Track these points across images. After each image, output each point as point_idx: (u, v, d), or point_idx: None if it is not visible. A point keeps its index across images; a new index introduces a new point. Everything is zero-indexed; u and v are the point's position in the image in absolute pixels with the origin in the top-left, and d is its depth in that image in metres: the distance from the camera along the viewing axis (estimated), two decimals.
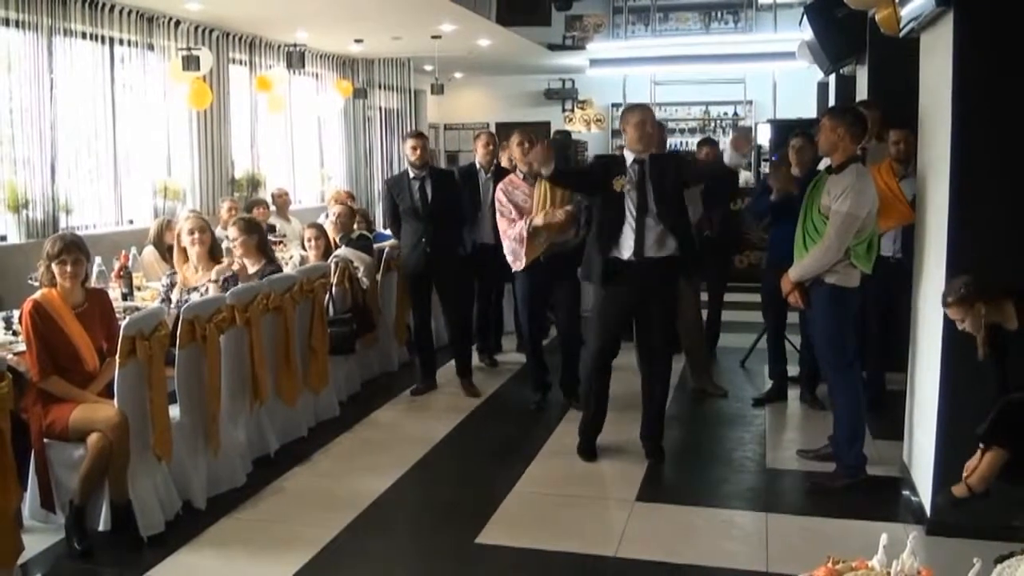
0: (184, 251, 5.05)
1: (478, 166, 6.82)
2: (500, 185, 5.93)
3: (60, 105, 7.53)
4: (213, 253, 5.08)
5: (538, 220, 5.60)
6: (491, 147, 6.80)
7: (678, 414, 5.93)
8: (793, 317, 6.09)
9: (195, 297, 4.78)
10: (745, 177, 12.13)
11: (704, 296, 7.37)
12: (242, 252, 5.29)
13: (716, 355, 7.41)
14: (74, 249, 4.08)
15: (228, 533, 4.17)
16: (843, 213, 4.29)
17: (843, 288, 4.44)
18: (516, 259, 5.74)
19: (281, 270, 5.60)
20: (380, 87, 14.01)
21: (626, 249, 4.85)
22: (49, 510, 4.02)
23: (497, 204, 5.86)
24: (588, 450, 5.11)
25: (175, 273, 5.13)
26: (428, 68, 13.96)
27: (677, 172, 4.99)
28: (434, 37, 11.25)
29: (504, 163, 6.90)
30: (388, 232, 7.09)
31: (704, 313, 7.37)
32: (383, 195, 6.74)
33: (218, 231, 6.46)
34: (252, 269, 5.22)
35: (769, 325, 6.32)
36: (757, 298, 6.44)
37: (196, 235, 5.00)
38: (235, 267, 5.09)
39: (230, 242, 5.48)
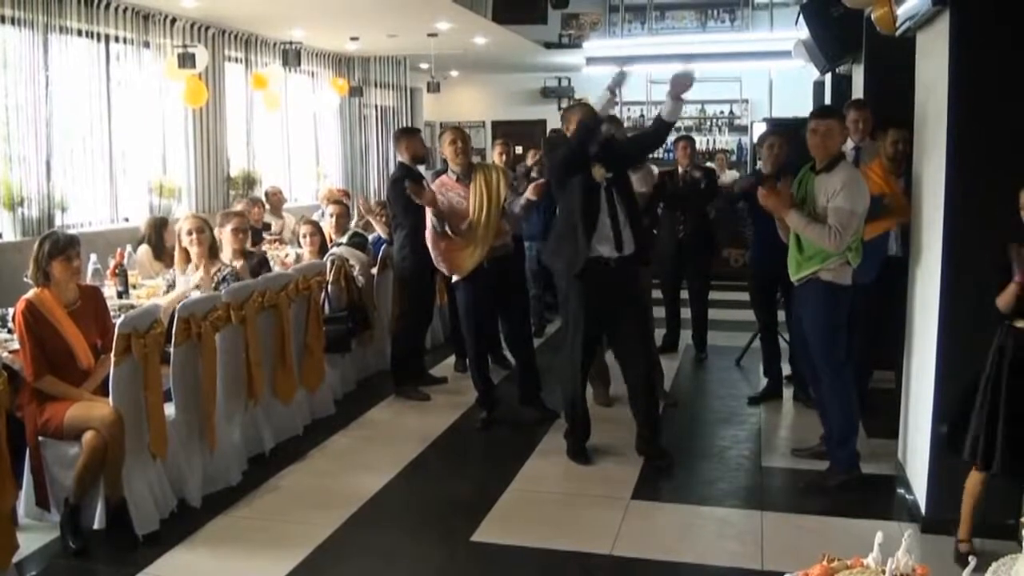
0: (185, 251, 5.06)
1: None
2: (432, 187, 5.63)
3: (55, 102, 7.50)
4: (213, 252, 5.09)
5: (523, 200, 5.40)
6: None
7: (673, 413, 5.94)
8: (784, 315, 6.10)
9: (195, 295, 4.78)
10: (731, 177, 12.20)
11: (685, 295, 7.42)
12: (238, 248, 5.33)
13: (707, 354, 7.42)
14: (76, 244, 4.10)
15: (223, 531, 4.17)
16: (846, 209, 4.29)
17: (837, 285, 4.44)
18: (453, 267, 5.52)
19: (267, 260, 5.62)
20: (376, 85, 14.00)
21: (606, 245, 4.77)
22: (44, 508, 4.02)
23: (428, 209, 5.53)
24: (580, 453, 5.08)
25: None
26: (424, 66, 13.96)
27: (621, 155, 4.96)
28: (430, 35, 11.24)
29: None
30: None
31: (689, 313, 7.42)
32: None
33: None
34: (238, 264, 5.29)
35: (760, 323, 6.33)
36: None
37: (194, 235, 5.01)
38: (238, 264, 5.12)
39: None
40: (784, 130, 6.41)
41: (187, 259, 5.09)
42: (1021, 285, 3.37)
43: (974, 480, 3.60)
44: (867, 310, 5.23)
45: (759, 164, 6.49)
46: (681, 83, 4.72)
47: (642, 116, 15.01)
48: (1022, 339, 3.44)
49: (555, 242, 5.05)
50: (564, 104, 16.94)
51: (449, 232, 5.46)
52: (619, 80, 4.87)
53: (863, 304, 5.13)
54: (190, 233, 5.01)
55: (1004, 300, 3.45)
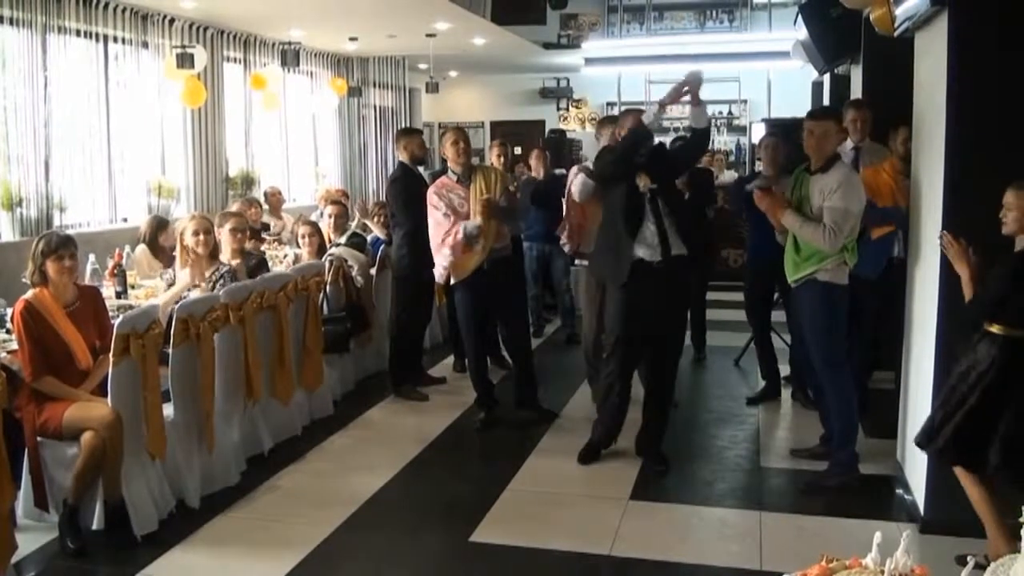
0: (186, 250, 5.02)
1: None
2: (432, 188, 5.57)
3: (54, 103, 7.50)
4: (214, 253, 5.07)
5: (478, 219, 5.35)
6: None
7: (672, 413, 5.92)
8: (779, 316, 6.10)
9: (194, 295, 4.78)
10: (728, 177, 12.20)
11: None
12: (236, 247, 5.32)
13: (706, 355, 7.43)
14: (71, 245, 4.09)
15: (222, 532, 4.17)
16: (841, 209, 4.30)
17: (834, 285, 4.45)
18: (445, 267, 5.47)
19: (266, 261, 5.60)
20: (375, 85, 14.00)
21: (650, 250, 4.69)
22: (43, 509, 4.02)
23: (430, 209, 5.50)
24: (594, 454, 5.06)
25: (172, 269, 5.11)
26: (423, 66, 13.96)
27: (669, 165, 4.94)
28: (429, 36, 11.25)
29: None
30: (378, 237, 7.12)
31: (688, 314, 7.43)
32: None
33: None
34: (235, 262, 5.29)
35: (754, 326, 6.33)
36: None
37: (202, 236, 4.97)
38: (234, 263, 5.11)
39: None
40: (783, 131, 6.41)
41: (188, 258, 5.06)
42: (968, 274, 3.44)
43: (971, 487, 3.60)
44: (869, 311, 5.23)
45: (759, 166, 6.47)
46: (693, 84, 4.66)
47: (688, 111, 15.01)
48: (996, 344, 3.45)
49: (599, 251, 4.98)
50: (562, 104, 17.04)
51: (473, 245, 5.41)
52: (675, 95, 4.71)
53: (866, 305, 5.13)
54: (197, 233, 4.96)
55: (965, 293, 3.56)
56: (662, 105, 4.67)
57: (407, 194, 6.11)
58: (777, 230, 4.68)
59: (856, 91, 6.75)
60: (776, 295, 6.15)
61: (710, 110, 5.21)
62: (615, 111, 14.55)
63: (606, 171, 4.86)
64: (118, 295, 5.56)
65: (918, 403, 4.24)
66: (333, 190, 10.37)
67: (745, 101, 15.58)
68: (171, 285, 5.11)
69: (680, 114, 15.27)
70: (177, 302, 4.63)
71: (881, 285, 5.08)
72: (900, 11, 4.35)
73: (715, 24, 14.82)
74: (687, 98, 4.71)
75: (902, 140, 5.12)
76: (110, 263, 5.85)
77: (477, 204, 5.39)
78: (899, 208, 4.87)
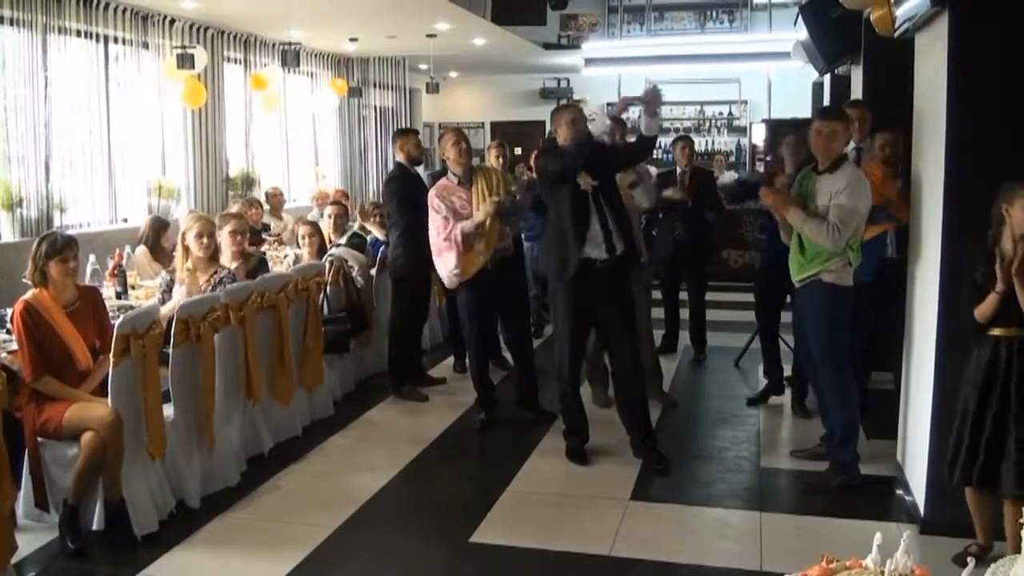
0: (187, 249, 4.98)
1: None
2: (433, 191, 5.57)
3: (54, 103, 7.51)
4: (214, 257, 5.04)
5: (479, 216, 5.36)
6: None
7: (672, 414, 5.94)
8: (786, 317, 6.09)
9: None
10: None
11: (684, 296, 7.42)
12: (236, 250, 5.31)
13: (706, 355, 7.43)
14: (74, 246, 4.10)
15: (222, 532, 4.17)
16: (848, 207, 4.30)
17: (839, 287, 4.45)
18: (455, 271, 5.45)
19: (266, 260, 5.59)
20: (375, 86, 14.01)
21: (595, 248, 4.78)
22: (43, 509, 4.01)
23: (431, 212, 5.50)
24: (578, 453, 5.07)
25: (174, 270, 5.08)
26: (423, 67, 13.97)
27: (609, 164, 4.99)
28: (429, 36, 11.26)
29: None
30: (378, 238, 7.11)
31: (687, 314, 7.42)
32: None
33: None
34: (234, 265, 5.26)
35: (762, 326, 6.32)
36: (750, 297, 6.44)
37: (205, 239, 4.93)
38: (234, 266, 5.10)
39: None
40: (804, 130, 6.40)
41: (188, 259, 5.03)
42: (1002, 294, 3.37)
43: (972, 497, 3.61)
44: (863, 312, 5.23)
45: (759, 168, 6.45)
46: (652, 101, 4.76)
47: (640, 117, 15.02)
48: (1000, 347, 3.44)
49: (545, 247, 5.06)
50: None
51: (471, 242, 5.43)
52: (621, 106, 4.98)
53: (860, 305, 5.13)
54: (200, 236, 4.89)
55: (983, 310, 3.44)
56: (613, 119, 4.83)
57: (403, 194, 6.11)
58: (781, 228, 4.68)
59: (856, 91, 6.74)
60: (788, 297, 6.14)
61: (710, 111, 5.22)
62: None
63: (551, 177, 4.92)
64: (118, 295, 5.57)
65: (918, 404, 4.24)
66: (327, 191, 10.38)
67: (745, 102, 15.59)
68: (164, 291, 5.05)
69: (681, 115, 15.40)
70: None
71: (876, 286, 5.07)
72: (900, 12, 4.35)
73: (715, 24, 14.84)
74: (643, 107, 4.79)
75: (880, 145, 5.12)
76: (110, 263, 5.85)
77: (481, 206, 5.40)
78: (885, 206, 4.87)
